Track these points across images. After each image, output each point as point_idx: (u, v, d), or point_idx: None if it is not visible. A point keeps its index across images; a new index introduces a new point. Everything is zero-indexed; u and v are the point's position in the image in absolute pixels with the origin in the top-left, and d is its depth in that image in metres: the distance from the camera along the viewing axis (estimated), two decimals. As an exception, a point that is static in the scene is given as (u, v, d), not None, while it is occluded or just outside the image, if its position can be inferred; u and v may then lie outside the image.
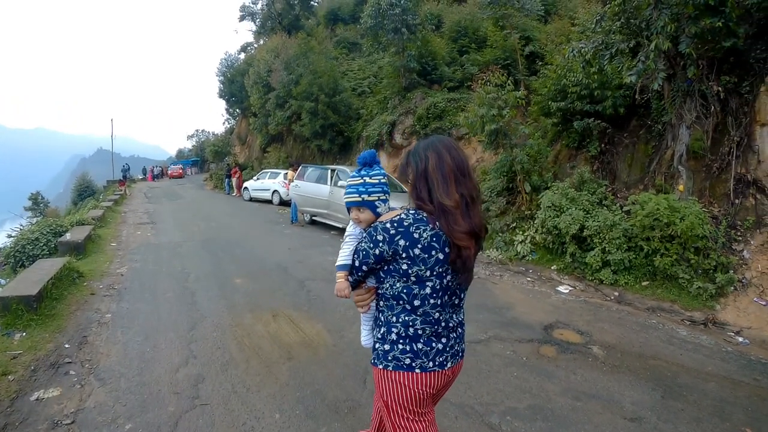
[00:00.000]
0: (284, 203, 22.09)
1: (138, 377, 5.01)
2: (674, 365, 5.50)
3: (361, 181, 2.50)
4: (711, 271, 7.81)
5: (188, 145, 70.86)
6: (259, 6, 40.99)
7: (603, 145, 11.48)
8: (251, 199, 25.34)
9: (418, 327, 2.29)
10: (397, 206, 2.51)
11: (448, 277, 2.28)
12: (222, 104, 48.03)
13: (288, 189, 19.01)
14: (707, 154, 9.10)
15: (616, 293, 8.19)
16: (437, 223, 2.21)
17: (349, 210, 2.56)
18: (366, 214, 2.48)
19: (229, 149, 40.24)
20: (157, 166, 61.72)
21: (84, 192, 39.54)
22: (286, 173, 21.14)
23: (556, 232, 9.64)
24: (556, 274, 9.40)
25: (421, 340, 2.29)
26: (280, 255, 11.18)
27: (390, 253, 2.23)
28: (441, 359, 2.33)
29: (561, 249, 9.81)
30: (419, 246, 2.19)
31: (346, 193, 2.56)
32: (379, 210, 2.47)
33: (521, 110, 13.45)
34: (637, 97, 9.89)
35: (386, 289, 2.35)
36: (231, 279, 9.05)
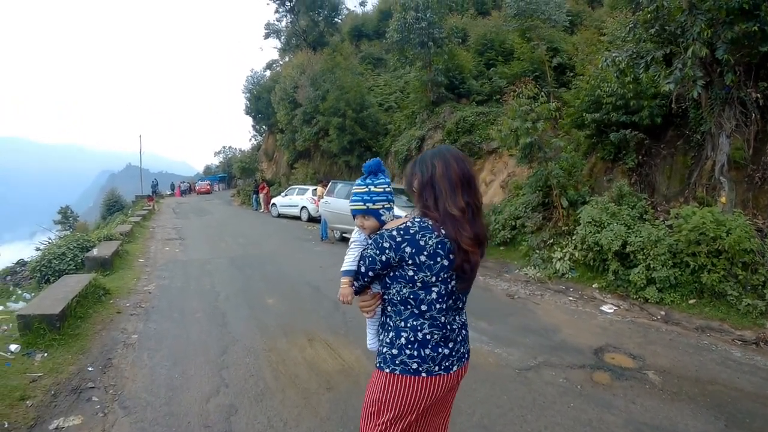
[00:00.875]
0: (313, 219, 21.83)
1: (166, 407, 4.69)
2: (733, 390, 5.14)
3: (366, 189, 2.52)
4: (760, 287, 7.44)
5: (215, 161, 71.53)
6: (283, 23, 41.34)
7: (640, 157, 11.16)
8: (279, 215, 25.13)
9: (427, 331, 2.31)
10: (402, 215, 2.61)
11: (452, 283, 2.32)
12: (249, 121, 48.30)
13: (317, 205, 18.86)
14: (749, 163, 8.79)
15: (663, 312, 7.80)
16: (442, 230, 2.25)
17: (354, 217, 2.58)
18: (370, 222, 2.51)
19: (256, 165, 40.25)
20: (184, 182, 62.26)
21: (113, 207, 39.78)
22: (315, 189, 21.06)
23: (598, 248, 9.26)
24: (599, 293, 9.00)
25: (429, 346, 2.31)
26: (312, 273, 10.87)
27: (396, 260, 2.27)
28: (447, 363, 2.35)
29: (603, 266, 9.42)
30: (425, 253, 2.23)
31: (351, 201, 2.58)
32: (383, 218, 2.50)
33: (551, 123, 13.11)
34: (673, 106, 9.58)
35: (393, 295, 2.37)
36: (262, 299, 8.76)
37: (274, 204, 25.91)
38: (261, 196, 29.55)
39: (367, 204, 2.49)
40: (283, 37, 42.39)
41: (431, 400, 2.37)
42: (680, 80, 8.36)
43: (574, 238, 10.20)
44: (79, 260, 11.32)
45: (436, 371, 2.31)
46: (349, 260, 2.51)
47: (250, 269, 11.24)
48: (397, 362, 2.33)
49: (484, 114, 17.89)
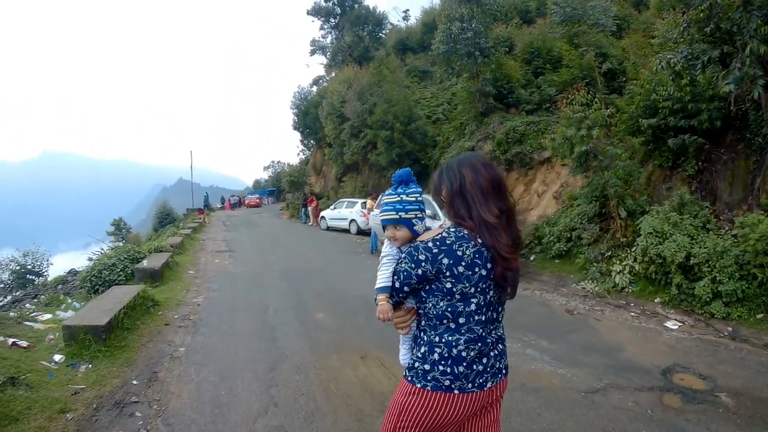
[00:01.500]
0: (362, 232, 21.64)
1: (211, 426, 4.48)
2: (812, 414, 4.60)
3: (398, 198, 2.45)
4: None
5: (264, 175, 72.33)
6: (329, 40, 41.81)
7: (700, 163, 10.59)
8: (328, 228, 25.02)
9: (462, 347, 2.21)
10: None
11: (491, 293, 2.25)
12: (296, 136, 48.76)
13: (367, 218, 18.80)
14: (815, 167, 8.21)
15: (730, 328, 7.38)
16: (479, 239, 2.19)
17: (384, 228, 2.51)
18: (402, 232, 2.42)
19: (304, 179, 40.46)
20: (234, 196, 63.17)
21: (164, 219, 40.42)
22: (364, 202, 20.93)
23: (660, 260, 8.80)
24: (661, 308, 8.56)
25: (464, 363, 2.21)
26: (363, 288, 10.49)
27: (433, 272, 2.19)
28: (481, 380, 2.25)
29: (665, 279, 8.94)
30: (463, 263, 2.16)
31: (382, 211, 2.52)
32: (416, 228, 2.43)
33: (604, 130, 12.68)
34: (732, 108, 9.19)
35: (429, 309, 2.29)
36: (312, 313, 8.56)
37: (323, 217, 25.89)
38: (310, 209, 29.51)
39: (399, 213, 2.41)
40: (328, 53, 42.97)
41: (462, 417, 2.29)
42: (739, 80, 7.91)
43: (633, 249, 9.81)
44: (129, 271, 11.36)
45: (469, 389, 2.22)
46: (384, 276, 2.45)
47: (300, 283, 11.03)
48: (429, 378, 2.24)
49: (534, 123, 17.39)
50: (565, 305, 9.20)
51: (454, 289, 2.18)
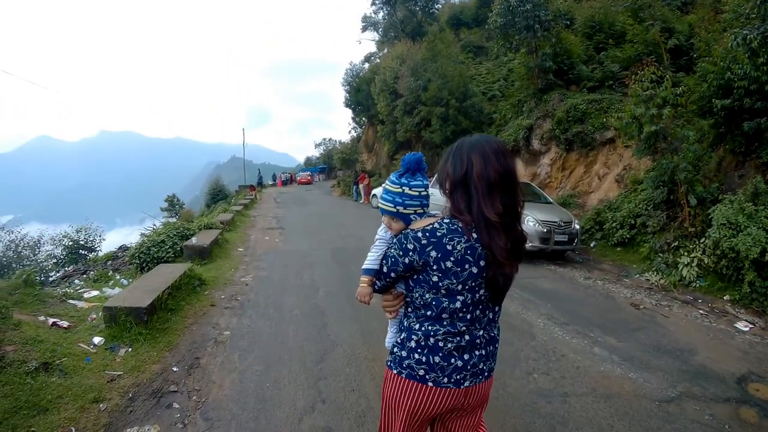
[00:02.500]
0: None
1: (253, 423, 4.06)
2: None
3: (400, 190, 2.29)
4: None
5: (316, 153, 72.67)
6: (380, 15, 41.62)
7: (777, 150, 9.74)
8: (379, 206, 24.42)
9: (440, 338, 2.11)
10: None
11: (482, 291, 2.10)
12: (348, 113, 48.57)
13: None
14: None
15: (804, 333, 6.71)
16: (473, 234, 2.05)
17: (382, 214, 2.40)
18: (398, 225, 2.31)
19: (356, 156, 40.26)
20: (285, 173, 63.59)
21: (217, 196, 40.83)
22: None
23: (733, 255, 8.19)
24: (731, 306, 8.06)
25: (440, 354, 2.12)
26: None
27: (420, 264, 2.08)
28: (458, 377, 2.14)
29: (736, 276, 8.39)
30: (452, 259, 2.03)
31: (381, 199, 2.39)
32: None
33: (673, 111, 11.91)
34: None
35: (416, 299, 2.18)
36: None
37: (374, 195, 25.32)
38: (361, 186, 29.23)
39: (397, 207, 2.28)
40: (380, 29, 42.82)
41: (436, 411, 2.20)
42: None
43: (703, 241, 9.26)
44: (178, 248, 11.19)
45: (444, 383, 2.13)
46: (372, 258, 2.40)
47: (352, 263, 10.52)
48: (404, 365, 2.19)
49: (596, 102, 16.56)
50: (630, 298, 8.69)
51: (440, 284, 2.07)
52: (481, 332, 2.18)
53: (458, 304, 2.07)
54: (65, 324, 6.02)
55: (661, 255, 10.20)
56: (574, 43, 19.28)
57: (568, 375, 5.20)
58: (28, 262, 14.58)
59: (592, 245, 13.04)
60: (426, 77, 25.07)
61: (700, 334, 6.91)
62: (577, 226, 12.02)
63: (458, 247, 2.02)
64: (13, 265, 13.73)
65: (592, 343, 6.22)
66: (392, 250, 2.22)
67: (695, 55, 13.16)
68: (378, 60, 42.18)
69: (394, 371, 2.23)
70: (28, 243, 15.53)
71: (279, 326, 6.51)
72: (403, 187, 2.28)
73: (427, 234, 2.06)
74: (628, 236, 12.09)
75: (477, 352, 2.17)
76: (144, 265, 10.67)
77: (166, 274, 7.51)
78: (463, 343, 2.12)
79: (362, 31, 43.99)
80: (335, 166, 50.40)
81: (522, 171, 19.04)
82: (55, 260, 17.64)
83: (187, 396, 4.46)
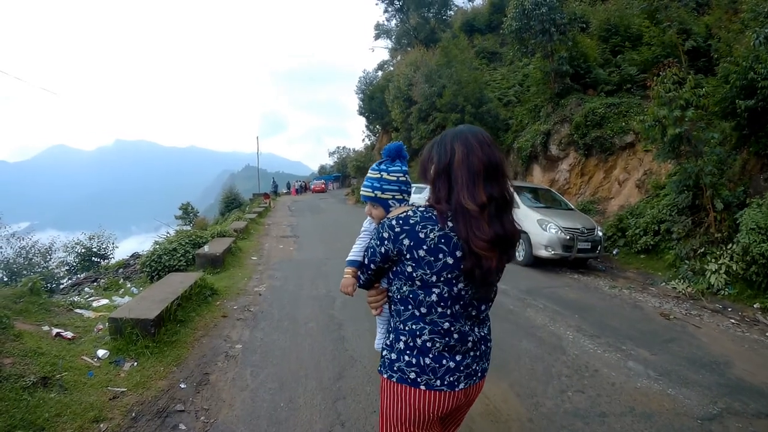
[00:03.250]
0: None
1: (266, 449, 3.69)
2: None
3: (378, 176, 2.37)
4: None
5: (330, 161, 72.83)
6: (393, 23, 41.82)
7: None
8: (395, 215, 24.27)
9: (427, 338, 2.00)
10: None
11: (460, 285, 1.97)
12: (362, 121, 48.54)
13: None
14: None
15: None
16: (448, 223, 1.93)
17: (365, 203, 2.46)
18: (378, 211, 2.37)
19: (371, 164, 40.28)
20: (299, 181, 63.75)
21: (231, 204, 40.63)
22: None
23: (763, 261, 7.92)
24: (762, 315, 7.77)
25: (430, 355, 2.00)
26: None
27: (395, 253, 2.01)
28: (452, 378, 2.02)
29: (767, 282, 8.10)
30: (424, 247, 1.93)
31: (362, 186, 2.44)
32: (392, 210, 2.31)
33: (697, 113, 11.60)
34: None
35: (394, 292, 2.13)
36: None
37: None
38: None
39: (375, 192, 2.35)
40: (393, 37, 43.01)
41: (432, 416, 2.08)
42: None
43: (731, 247, 8.92)
44: (190, 256, 10.96)
45: (437, 386, 2.01)
46: (355, 250, 2.43)
47: (368, 272, 10.13)
48: (395, 368, 2.08)
49: (614, 105, 16.30)
50: (659, 308, 8.33)
51: (415, 275, 1.98)
52: (472, 330, 2.09)
53: (434, 297, 1.98)
54: (69, 335, 5.77)
55: (687, 262, 9.89)
56: (590, 46, 19.02)
57: (603, 392, 4.85)
58: (39, 269, 14.40)
59: (614, 252, 12.76)
60: (440, 83, 24.88)
61: (734, 344, 6.58)
62: (600, 233, 11.69)
63: (431, 236, 1.93)
64: (24, 272, 13.58)
65: (625, 356, 5.89)
66: (372, 241, 2.19)
67: (715, 56, 12.87)
68: (391, 67, 42.32)
69: (385, 376, 2.13)
70: (39, 250, 15.36)
71: (294, 340, 6.17)
72: (382, 173, 2.34)
73: (401, 221, 1.99)
74: (652, 243, 11.82)
75: (470, 353, 2.08)
76: (155, 273, 10.46)
77: (176, 283, 7.23)
78: (452, 343, 2.02)
79: (375, 39, 44.15)
80: (349, 174, 50.40)
81: (540, 177, 18.87)
82: (67, 267, 17.57)
83: (195, 416, 4.13)
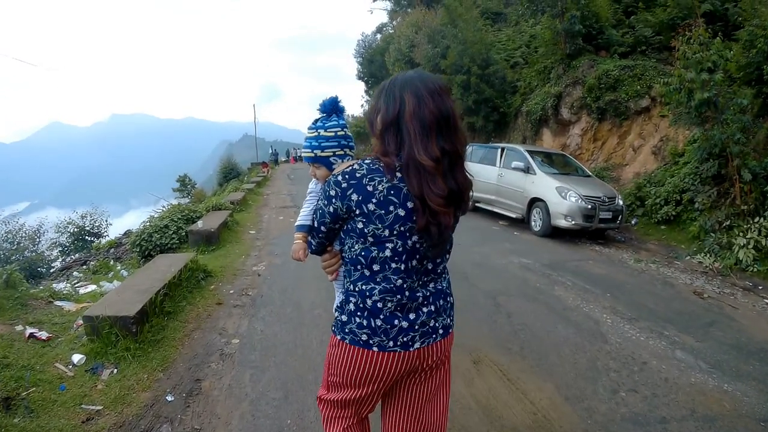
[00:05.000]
0: None
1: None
2: None
3: (316, 134, 2.25)
4: None
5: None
6: None
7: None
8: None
9: (377, 298, 1.89)
10: None
11: (414, 238, 1.86)
12: (360, 86, 47.63)
13: None
14: None
15: None
16: (397, 174, 1.81)
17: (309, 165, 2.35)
18: (322, 171, 2.27)
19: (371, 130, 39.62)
20: (298, 149, 63.05)
21: (229, 174, 40.02)
22: None
23: None
24: None
25: (381, 316, 1.89)
26: (452, 253, 9.00)
27: (344, 210, 1.89)
28: (405, 339, 1.91)
29: None
30: (374, 201, 1.82)
31: (302, 147, 2.35)
32: (335, 167, 2.18)
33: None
34: None
35: (346, 252, 2.00)
36: None
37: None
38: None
39: (315, 151, 2.25)
40: None
41: (388, 377, 1.96)
42: None
43: (758, 220, 8.51)
44: (183, 233, 10.21)
45: (390, 347, 1.89)
46: (304, 213, 2.36)
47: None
48: (346, 330, 1.96)
49: (629, 68, 15.46)
50: (691, 285, 7.77)
51: (366, 231, 1.85)
52: (427, 285, 1.98)
53: (388, 252, 1.87)
54: (44, 335, 5.06)
55: (712, 235, 9.35)
56: (602, 6, 17.89)
57: (659, 391, 4.20)
58: (28, 253, 13.72)
59: (633, 223, 12.14)
60: (444, 44, 23.89)
61: (774, 327, 6.03)
62: (621, 202, 11.02)
63: (380, 188, 1.82)
64: (13, 257, 12.85)
65: (670, 344, 5.27)
66: (319, 202, 2.07)
67: (739, 20, 12.09)
68: (391, 30, 41.34)
69: (338, 337, 2.02)
70: (26, 233, 14.65)
71: (298, 332, 5.36)
72: (318, 130, 2.25)
73: (347, 176, 1.87)
74: (673, 213, 11.24)
75: (424, 309, 1.96)
76: (146, 253, 9.75)
77: (164, 267, 6.46)
78: (404, 301, 1.91)
79: (374, 0, 43.10)
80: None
81: (550, 142, 18.08)
82: (60, 248, 16.97)
83: (183, 439, 3.40)
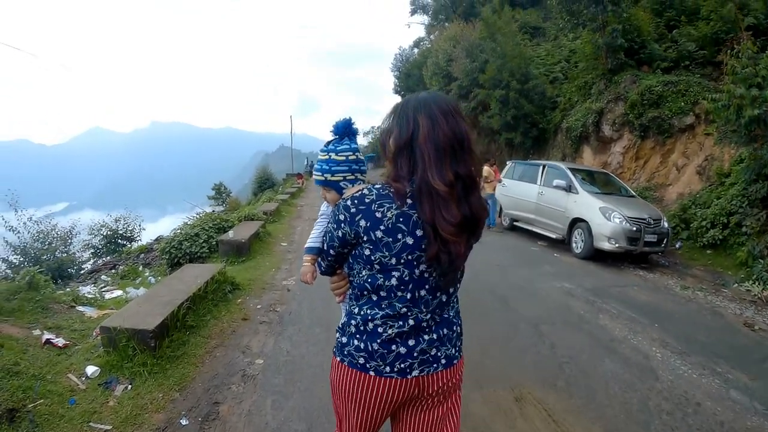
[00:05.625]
0: None
1: None
2: None
3: (327, 157, 2.24)
4: None
5: (364, 141, 72.26)
6: None
7: None
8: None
9: (378, 323, 1.80)
10: None
11: (422, 267, 1.77)
12: (397, 100, 47.80)
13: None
14: None
15: None
16: (407, 201, 1.73)
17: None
18: (332, 195, 2.28)
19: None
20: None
21: (264, 184, 40.28)
22: None
23: None
24: None
25: (378, 340, 1.80)
26: (490, 275, 8.66)
27: (352, 236, 1.82)
28: (403, 365, 1.81)
29: None
30: (381, 228, 1.74)
31: (314, 170, 2.37)
32: (345, 191, 2.16)
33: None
34: None
35: (354, 277, 1.93)
36: None
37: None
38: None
39: (325, 175, 2.24)
40: (430, 12, 41.89)
41: (385, 403, 1.86)
42: None
43: None
44: (214, 242, 10.03)
45: (387, 372, 1.80)
46: (313, 236, 2.41)
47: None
48: (345, 352, 1.89)
49: (673, 83, 14.86)
50: (740, 315, 7.32)
51: (373, 258, 1.77)
52: (429, 315, 1.84)
53: (394, 281, 1.77)
54: (61, 342, 4.86)
55: (761, 261, 8.89)
56: (643, 19, 17.53)
57: (717, 437, 3.80)
58: (59, 254, 13.69)
59: (677, 246, 11.54)
60: (483, 58, 23.58)
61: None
62: (666, 225, 10.49)
63: (388, 215, 1.73)
64: (43, 257, 12.84)
65: (724, 382, 4.85)
66: (329, 225, 1.99)
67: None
68: (429, 44, 41.26)
69: (337, 358, 1.94)
70: (58, 234, 14.64)
71: (327, 355, 4.87)
72: (330, 153, 2.23)
73: (356, 201, 1.79)
74: (720, 237, 10.64)
75: (425, 337, 1.84)
76: (175, 261, 9.62)
77: (191, 278, 6.22)
78: (406, 329, 1.80)
79: (411, 15, 43.07)
80: (385, 155, 50.10)
81: (591, 159, 17.59)
82: (93, 250, 16.98)
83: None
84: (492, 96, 21.30)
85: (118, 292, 8.03)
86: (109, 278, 10.60)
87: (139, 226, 19.13)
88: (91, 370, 4.24)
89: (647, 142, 15.53)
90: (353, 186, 2.14)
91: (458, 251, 1.76)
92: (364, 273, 1.85)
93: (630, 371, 4.94)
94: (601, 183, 12.13)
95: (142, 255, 14.02)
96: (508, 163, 15.35)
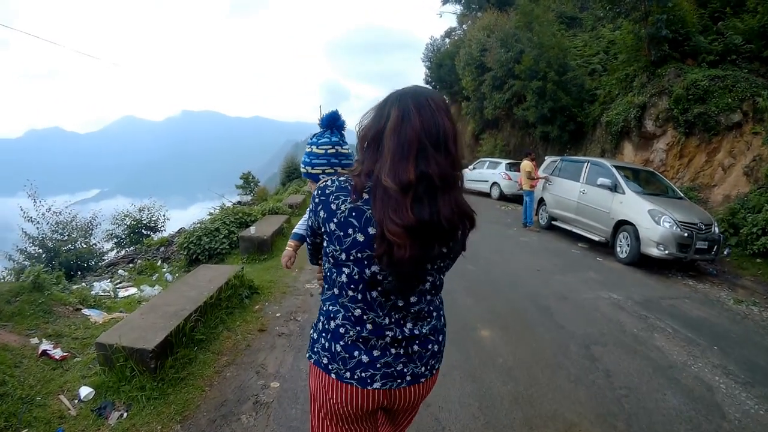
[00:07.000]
0: (504, 198, 19.97)
1: None
2: None
3: (310, 150, 2.33)
4: None
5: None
6: None
7: None
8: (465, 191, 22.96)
9: (339, 322, 1.74)
10: None
11: (374, 267, 1.64)
12: (428, 90, 47.41)
13: (509, 181, 17.72)
14: None
15: None
16: (363, 195, 1.63)
17: None
18: (314, 187, 1.99)
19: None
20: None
21: (292, 174, 39.81)
22: (509, 164, 19.51)
23: None
24: None
25: (341, 342, 1.72)
26: (529, 280, 8.09)
27: (317, 225, 1.78)
28: (364, 374, 1.71)
29: None
30: (335, 220, 1.66)
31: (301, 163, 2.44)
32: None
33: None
34: None
35: (324, 268, 1.83)
36: (472, 327, 5.75)
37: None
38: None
39: (306, 167, 2.32)
40: (462, 1, 40.94)
41: (348, 410, 1.77)
42: None
43: None
44: (234, 238, 9.59)
45: (347, 378, 1.72)
46: (300, 223, 2.55)
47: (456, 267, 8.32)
48: (314, 349, 1.83)
49: (719, 78, 14.00)
50: None
51: (328, 250, 1.72)
52: (397, 325, 1.72)
53: (344, 278, 1.69)
54: (58, 354, 4.44)
55: None
56: (688, 10, 16.53)
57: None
58: (79, 245, 13.38)
59: (725, 253, 10.71)
60: (518, 48, 22.83)
61: None
62: (717, 231, 9.70)
63: (342, 207, 1.65)
64: (62, 249, 12.51)
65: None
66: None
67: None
68: (461, 34, 40.59)
69: (307, 355, 1.89)
70: (77, 224, 14.34)
71: None
72: (312, 146, 2.29)
73: (320, 192, 1.73)
74: (773, 245, 9.93)
75: (392, 351, 1.72)
76: (194, 257, 9.29)
77: (204, 282, 5.71)
78: (365, 334, 1.70)
79: (443, 4, 42.35)
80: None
81: (632, 156, 16.78)
82: (116, 239, 16.74)
83: None
84: (528, 87, 20.61)
85: (133, 290, 7.68)
86: (126, 272, 10.27)
87: (164, 216, 18.89)
88: (84, 392, 3.78)
89: (692, 140, 14.70)
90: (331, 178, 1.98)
91: (402, 256, 1.55)
92: (326, 265, 1.79)
93: (695, 407, 4.30)
94: (647, 183, 11.37)
95: (162, 248, 13.73)
96: (546, 158, 14.72)
